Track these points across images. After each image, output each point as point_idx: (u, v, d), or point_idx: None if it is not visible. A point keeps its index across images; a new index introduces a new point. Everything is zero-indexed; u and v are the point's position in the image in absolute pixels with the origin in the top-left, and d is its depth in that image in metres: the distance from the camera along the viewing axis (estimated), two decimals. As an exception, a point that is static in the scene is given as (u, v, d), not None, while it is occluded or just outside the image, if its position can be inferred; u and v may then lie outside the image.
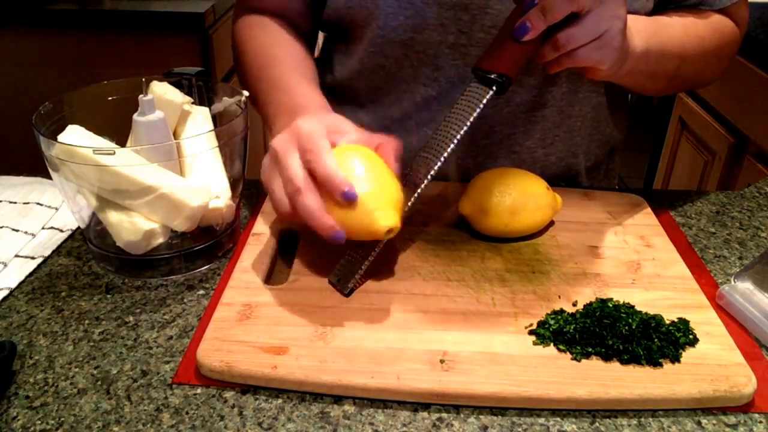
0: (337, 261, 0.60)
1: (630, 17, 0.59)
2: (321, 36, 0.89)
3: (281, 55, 0.73)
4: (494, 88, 0.57)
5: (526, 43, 0.56)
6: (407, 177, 0.60)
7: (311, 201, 0.53)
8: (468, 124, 0.57)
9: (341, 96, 0.81)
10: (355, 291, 0.58)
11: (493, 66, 0.58)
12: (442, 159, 0.57)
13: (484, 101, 0.57)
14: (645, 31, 0.64)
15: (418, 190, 0.58)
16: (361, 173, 0.54)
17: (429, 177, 0.58)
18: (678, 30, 0.69)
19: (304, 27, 0.80)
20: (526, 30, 0.56)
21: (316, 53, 0.87)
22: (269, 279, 0.62)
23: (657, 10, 0.73)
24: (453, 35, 0.71)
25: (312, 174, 0.53)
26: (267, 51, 0.74)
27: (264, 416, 0.48)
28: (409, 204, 0.58)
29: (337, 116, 0.59)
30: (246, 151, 0.67)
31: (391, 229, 0.54)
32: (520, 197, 0.64)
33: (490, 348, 0.52)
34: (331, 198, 0.53)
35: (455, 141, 0.57)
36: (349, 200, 0.52)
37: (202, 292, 0.61)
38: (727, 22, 0.74)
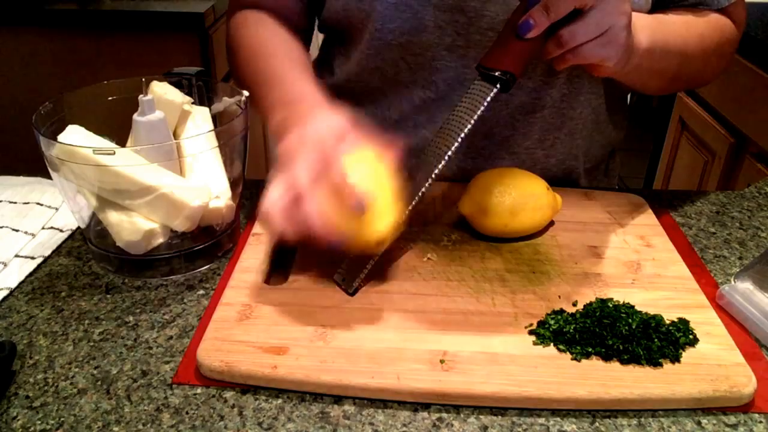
0: (339, 260, 0.60)
1: (633, 14, 0.59)
2: (320, 36, 0.88)
3: (277, 50, 0.73)
4: (498, 85, 0.57)
5: (529, 40, 0.56)
6: (411, 175, 0.60)
7: (315, 206, 0.52)
8: (472, 121, 0.57)
9: (340, 97, 0.81)
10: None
11: (497, 63, 0.58)
12: (447, 157, 0.57)
13: (489, 98, 0.57)
14: (648, 27, 0.64)
15: (420, 192, 0.58)
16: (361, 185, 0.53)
17: (432, 176, 0.58)
18: (679, 27, 0.69)
19: (300, 25, 0.80)
20: (530, 27, 0.56)
21: (316, 53, 0.87)
22: (269, 279, 0.62)
23: (655, 9, 0.73)
24: (450, 37, 0.71)
25: (325, 180, 0.52)
26: (262, 45, 0.74)
27: (264, 416, 0.48)
28: (410, 207, 0.58)
29: (338, 116, 0.59)
30: (246, 151, 0.66)
31: (380, 242, 0.54)
32: (520, 197, 0.64)
33: (490, 348, 0.52)
34: (335, 205, 0.52)
35: (459, 138, 0.57)
36: (361, 210, 0.51)
37: (202, 292, 0.61)
38: (726, 20, 0.74)
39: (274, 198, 0.53)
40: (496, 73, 0.57)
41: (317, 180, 0.53)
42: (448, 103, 0.74)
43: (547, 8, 0.55)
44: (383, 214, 0.54)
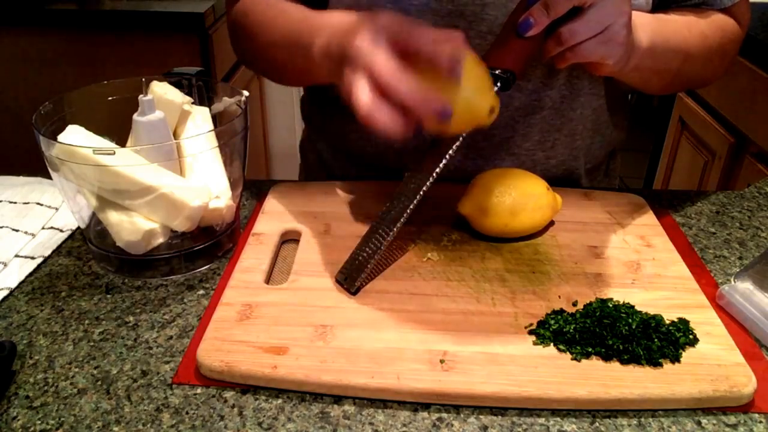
0: (338, 260, 0.60)
1: (634, 13, 0.59)
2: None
3: (291, 8, 0.70)
4: (499, 83, 0.58)
5: (529, 38, 0.56)
6: (412, 174, 0.60)
7: (413, 83, 0.49)
8: None
9: (342, 102, 0.80)
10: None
11: (498, 62, 0.58)
12: (447, 156, 0.57)
13: None
14: (649, 26, 0.64)
15: (421, 192, 0.58)
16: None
17: (433, 176, 0.58)
18: (681, 27, 0.69)
19: None
20: (530, 25, 0.56)
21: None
22: (269, 279, 0.62)
23: (658, 8, 0.73)
24: None
25: (411, 54, 0.50)
26: (274, 8, 0.71)
27: (264, 416, 0.48)
28: (411, 206, 0.58)
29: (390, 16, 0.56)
30: (246, 151, 0.67)
31: (492, 108, 0.54)
32: (520, 197, 0.64)
33: (490, 348, 0.52)
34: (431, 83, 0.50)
35: (462, 136, 0.57)
36: (456, 72, 0.50)
37: (202, 292, 0.61)
38: (729, 20, 0.74)
39: (365, 97, 0.50)
40: (497, 72, 0.57)
41: (403, 61, 0.50)
42: None
43: (546, 6, 0.55)
44: (483, 86, 0.53)
